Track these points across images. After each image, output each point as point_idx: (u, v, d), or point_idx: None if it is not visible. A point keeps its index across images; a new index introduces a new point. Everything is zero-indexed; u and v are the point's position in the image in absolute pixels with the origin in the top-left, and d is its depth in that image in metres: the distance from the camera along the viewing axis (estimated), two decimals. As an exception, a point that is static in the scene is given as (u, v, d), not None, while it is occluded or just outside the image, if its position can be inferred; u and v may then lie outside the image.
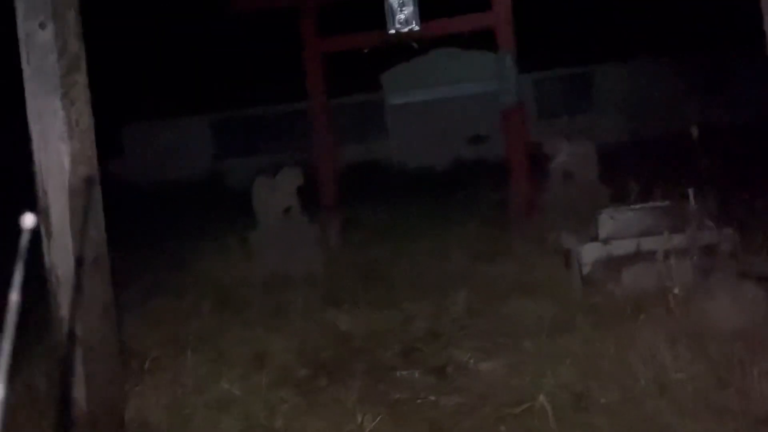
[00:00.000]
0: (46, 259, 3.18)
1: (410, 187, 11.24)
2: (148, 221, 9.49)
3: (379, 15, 8.70)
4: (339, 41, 8.61)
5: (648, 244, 4.82)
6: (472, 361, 4.01)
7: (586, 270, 5.07)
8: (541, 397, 3.30)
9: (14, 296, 1.14)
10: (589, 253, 5.08)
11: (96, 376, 3.20)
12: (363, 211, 8.66)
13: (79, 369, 3.13)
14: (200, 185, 13.43)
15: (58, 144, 3.16)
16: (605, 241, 5.07)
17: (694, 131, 4.72)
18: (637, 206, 5.44)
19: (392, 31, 8.67)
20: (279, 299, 5.47)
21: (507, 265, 5.85)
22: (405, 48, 10.04)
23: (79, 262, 3.09)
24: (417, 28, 8.58)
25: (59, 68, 3.16)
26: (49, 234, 3.16)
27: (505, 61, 8.59)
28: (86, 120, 3.25)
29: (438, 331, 4.61)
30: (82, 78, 3.25)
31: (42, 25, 3.15)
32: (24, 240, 1.17)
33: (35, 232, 1.21)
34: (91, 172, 3.23)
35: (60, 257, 3.16)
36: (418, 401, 3.58)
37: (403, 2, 8.80)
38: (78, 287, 3.09)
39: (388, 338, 4.53)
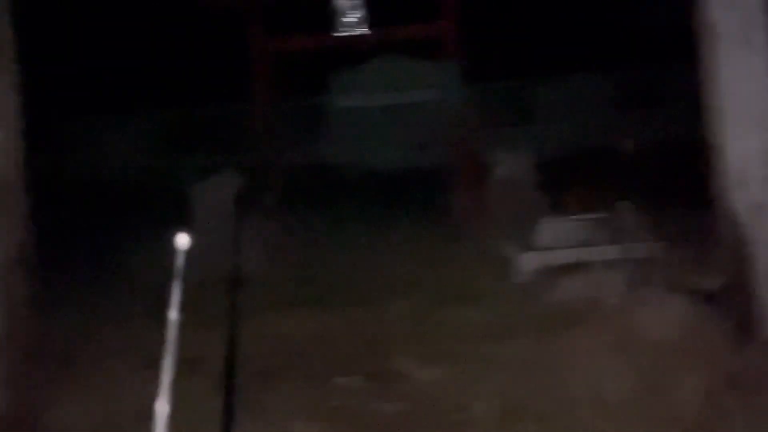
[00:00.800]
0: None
1: (355, 192, 11.20)
2: (80, 220, 9.09)
3: (328, 18, 8.66)
4: (286, 42, 8.51)
5: (585, 254, 4.95)
6: (411, 368, 4.00)
7: (525, 278, 5.16)
8: (479, 405, 3.32)
9: (173, 314, 1.16)
10: (529, 261, 5.18)
11: (17, 379, 3.02)
12: (306, 215, 8.55)
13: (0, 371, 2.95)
14: (138, 184, 13.00)
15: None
16: (544, 251, 5.18)
17: (630, 145, 4.88)
18: (576, 217, 5.59)
19: (340, 34, 8.65)
20: (214, 303, 5.32)
21: (448, 272, 5.88)
22: (353, 52, 10.03)
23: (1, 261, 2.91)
24: (365, 32, 8.58)
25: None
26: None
27: (450, 71, 8.70)
28: (9, 109, 3.06)
29: (379, 337, 4.58)
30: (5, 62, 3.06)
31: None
32: (179, 260, 1.17)
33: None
34: (14, 166, 3.04)
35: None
36: (358, 409, 3.54)
37: (351, 6, 8.79)
38: (-1, 288, 2.91)
39: (327, 344, 4.46)
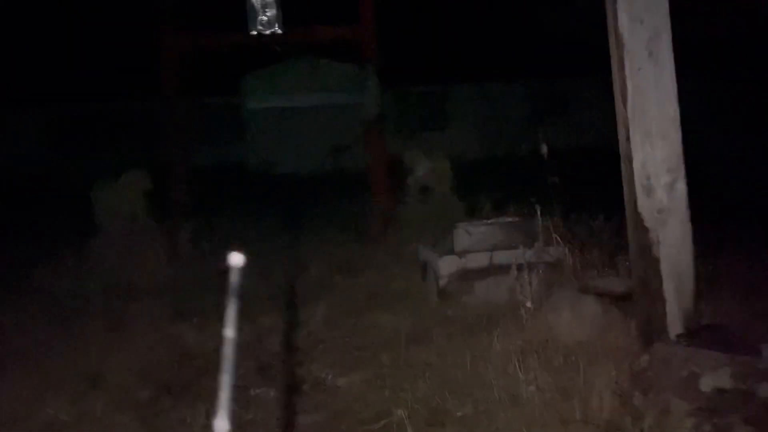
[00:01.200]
0: None
1: (269, 195, 10.96)
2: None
3: (242, 16, 8.42)
4: (196, 39, 8.19)
5: (500, 257, 5.02)
6: (329, 376, 3.90)
7: (442, 282, 5.18)
8: (399, 412, 3.27)
9: (230, 333, 1.16)
10: (445, 265, 5.20)
11: None
12: (217, 218, 8.26)
13: None
14: (38, 185, 12.15)
15: None
16: (461, 254, 5.22)
17: (544, 149, 5.00)
18: (490, 221, 5.67)
19: (254, 33, 8.43)
20: (119, 312, 5.01)
21: (365, 276, 5.84)
22: (268, 52, 9.81)
23: None
24: (279, 31, 8.41)
25: None
26: None
27: (368, 74, 8.67)
28: None
29: (295, 345, 4.45)
30: None
31: None
32: (234, 278, 1.17)
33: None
34: None
35: None
36: (274, 421, 3.40)
37: (265, 3, 8.58)
38: None
39: (241, 354, 4.27)
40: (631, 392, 3.08)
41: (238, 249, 1.33)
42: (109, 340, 4.44)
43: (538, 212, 5.06)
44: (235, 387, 3.69)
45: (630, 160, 3.63)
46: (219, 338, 4.15)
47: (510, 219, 5.66)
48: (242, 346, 4.38)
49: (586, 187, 6.08)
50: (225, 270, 1.29)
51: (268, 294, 5.58)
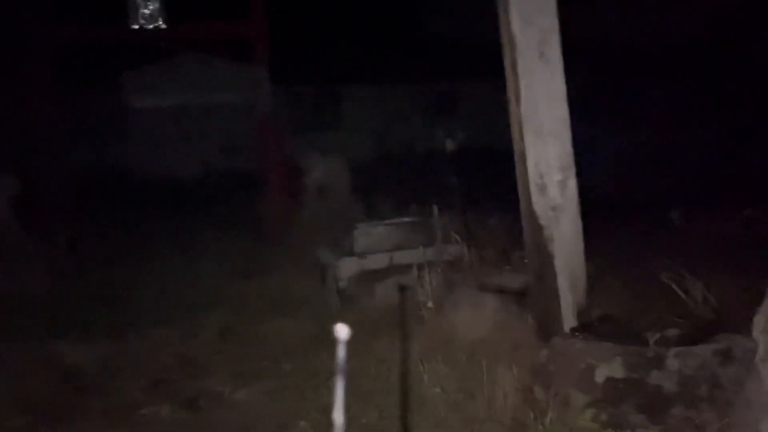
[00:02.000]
0: None
1: (155, 199, 10.38)
2: None
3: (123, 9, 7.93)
4: (71, 31, 7.59)
5: (400, 257, 5.01)
6: (227, 389, 3.70)
7: (342, 285, 5.09)
8: (302, 423, 3.16)
9: (338, 417, 1.05)
10: (345, 267, 5.11)
11: None
12: (98, 225, 7.70)
13: None
14: None
15: None
16: (360, 256, 5.15)
17: (448, 146, 5.04)
18: (388, 221, 5.65)
19: (135, 27, 7.96)
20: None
21: (263, 281, 5.63)
22: (152, 48, 9.30)
23: None
24: (163, 26, 7.99)
25: None
26: None
27: (259, 73, 8.44)
28: None
29: (189, 358, 4.19)
30: None
31: None
32: (341, 353, 1.05)
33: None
34: None
35: None
36: (167, 442, 3.17)
37: (149, -4, 8.14)
38: None
39: (129, 371, 3.97)
40: (533, 387, 3.14)
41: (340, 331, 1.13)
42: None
43: (436, 211, 5.10)
44: (122, 406, 3.39)
45: (524, 159, 3.71)
46: (104, 354, 3.80)
47: (409, 219, 5.67)
48: (130, 363, 4.09)
49: (482, 186, 6.22)
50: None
51: (158, 304, 5.25)
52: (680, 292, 3.84)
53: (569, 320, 3.62)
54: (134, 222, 8.29)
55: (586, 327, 3.52)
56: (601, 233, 4.49)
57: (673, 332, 3.33)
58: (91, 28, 7.90)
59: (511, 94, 3.78)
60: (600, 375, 3.06)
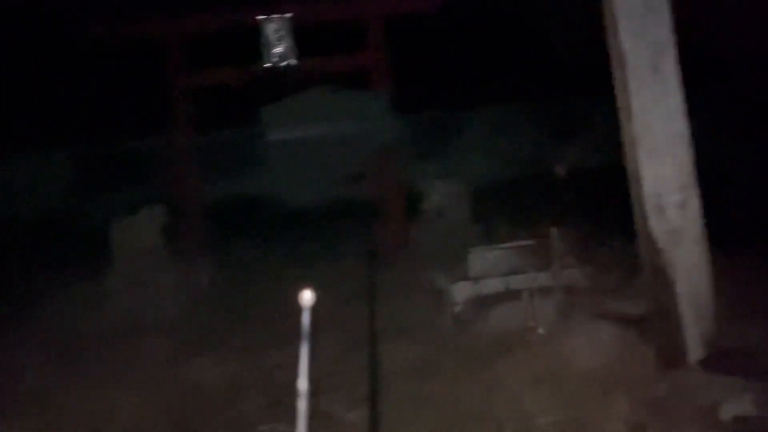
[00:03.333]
0: None
1: (285, 225, 10.96)
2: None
3: (255, 48, 8.52)
4: (208, 75, 8.31)
5: (515, 282, 4.91)
6: (339, 410, 3.81)
7: (457, 309, 5.07)
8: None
9: (302, 384, 1.05)
10: (460, 291, 5.10)
11: None
12: (234, 251, 8.27)
13: None
14: (55, 223, 12.36)
15: None
16: (475, 280, 5.11)
17: (561, 171, 4.90)
18: (503, 245, 5.56)
19: (268, 65, 8.52)
20: (133, 349, 4.99)
21: (379, 306, 5.73)
22: (282, 84, 9.91)
23: None
24: (294, 62, 8.49)
25: None
26: None
27: (380, 101, 8.71)
28: None
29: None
30: None
31: None
32: (306, 319, 1.05)
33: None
34: None
35: None
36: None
37: (279, 36, 8.68)
38: None
39: (251, 390, 4.22)
40: (648, 423, 2.94)
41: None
42: (121, 378, 4.41)
43: (553, 234, 4.95)
44: (242, 423, 3.61)
45: (639, 180, 3.52)
46: (231, 373, 4.06)
47: (525, 242, 5.54)
48: (250, 383, 4.34)
49: (603, 208, 5.94)
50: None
51: (281, 326, 5.52)
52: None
53: (694, 352, 3.35)
54: (266, 247, 8.80)
55: (712, 360, 3.24)
56: (735, 259, 4.13)
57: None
58: (227, 70, 8.56)
59: (622, 111, 3.63)
60: (725, 412, 2.80)
